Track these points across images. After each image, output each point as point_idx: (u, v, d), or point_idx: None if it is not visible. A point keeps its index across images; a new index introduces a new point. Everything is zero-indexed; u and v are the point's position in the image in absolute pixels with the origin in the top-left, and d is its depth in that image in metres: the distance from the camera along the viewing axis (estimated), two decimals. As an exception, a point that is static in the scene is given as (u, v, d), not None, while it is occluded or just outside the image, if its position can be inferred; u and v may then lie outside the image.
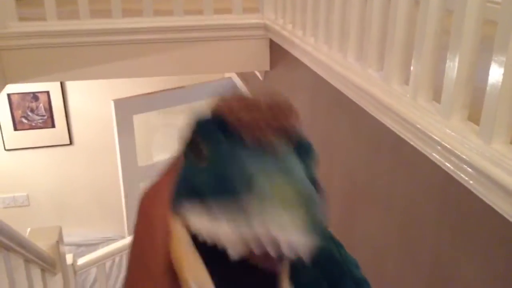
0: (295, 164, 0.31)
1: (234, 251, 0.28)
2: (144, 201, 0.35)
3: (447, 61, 1.05)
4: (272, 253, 0.27)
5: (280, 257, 0.28)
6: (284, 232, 0.27)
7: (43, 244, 1.91)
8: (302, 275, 0.38)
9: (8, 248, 1.48)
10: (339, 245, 0.42)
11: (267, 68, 2.51)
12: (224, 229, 0.28)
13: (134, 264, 0.33)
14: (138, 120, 3.25)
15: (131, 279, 0.34)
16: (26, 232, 1.99)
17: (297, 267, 0.37)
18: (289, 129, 0.33)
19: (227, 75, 3.70)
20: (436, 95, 1.15)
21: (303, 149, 0.34)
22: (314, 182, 0.31)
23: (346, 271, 0.41)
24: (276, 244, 0.27)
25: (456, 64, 1.03)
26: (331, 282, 0.39)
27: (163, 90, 3.31)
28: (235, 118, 0.32)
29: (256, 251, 0.27)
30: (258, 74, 2.73)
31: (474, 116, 1.04)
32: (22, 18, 2.22)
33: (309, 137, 0.36)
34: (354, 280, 0.41)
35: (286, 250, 0.27)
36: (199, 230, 0.30)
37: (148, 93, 3.26)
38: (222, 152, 0.31)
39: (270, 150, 0.31)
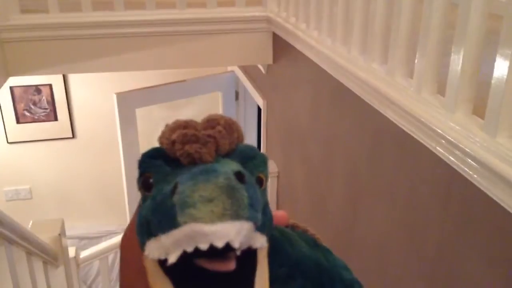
0: (222, 164, 0.32)
1: (171, 257, 0.29)
2: (122, 244, 0.38)
3: (452, 54, 1.04)
4: (203, 247, 0.28)
5: (217, 251, 0.28)
6: (206, 224, 0.28)
7: (45, 237, 1.91)
8: (287, 284, 0.38)
9: (10, 241, 1.48)
10: (325, 251, 0.42)
11: (270, 61, 2.50)
12: (161, 242, 0.30)
13: None
14: (141, 113, 3.25)
15: None
16: (28, 224, 1.99)
17: (279, 276, 0.37)
18: (218, 138, 0.33)
19: (229, 68, 3.70)
20: (441, 89, 1.14)
21: (240, 154, 0.35)
22: (249, 181, 0.31)
23: (335, 275, 0.40)
24: (202, 238, 0.28)
25: (461, 57, 1.02)
26: None
27: (166, 84, 3.31)
28: (166, 140, 0.34)
29: (188, 249, 0.28)
30: (261, 67, 2.72)
31: (478, 110, 1.03)
32: (24, 10, 2.22)
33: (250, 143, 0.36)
34: (344, 283, 0.40)
35: (214, 241, 0.28)
36: (153, 256, 0.31)
37: (151, 87, 3.25)
38: (162, 176, 0.33)
39: (198, 159, 0.32)
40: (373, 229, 1.53)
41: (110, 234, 4.06)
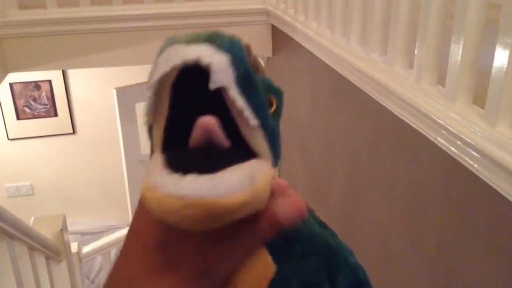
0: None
1: (153, 79, 0.30)
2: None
3: (452, 44, 1.04)
4: (176, 61, 0.28)
5: (191, 74, 0.29)
6: (182, 44, 0.29)
7: (47, 232, 1.91)
8: (300, 261, 0.37)
9: (12, 236, 1.48)
10: (333, 234, 0.42)
11: (270, 54, 2.49)
12: (150, 78, 0.31)
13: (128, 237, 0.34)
14: (141, 108, 3.24)
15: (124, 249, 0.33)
16: (30, 221, 2.00)
17: (295, 252, 0.37)
18: None
19: (229, 62, 3.68)
20: (440, 79, 1.13)
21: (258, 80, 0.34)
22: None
23: (341, 258, 0.40)
24: (176, 54, 0.29)
25: (461, 47, 1.01)
26: (329, 269, 0.39)
27: (165, 78, 3.30)
28: None
29: (166, 69, 0.29)
30: (260, 60, 2.71)
31: (479, 99, 1.03)
32: (22, 6, 2.21)
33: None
34: (349, 267, 0.40)
35: (186, 56, 0.28)
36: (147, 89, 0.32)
37: (150, 81, 3.25)
38: None
39: None
40: (375, 220, 1.53)
41: (112, 229, 4.06)
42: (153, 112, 0.31)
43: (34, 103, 3.97)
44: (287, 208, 0.29)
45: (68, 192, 4.30)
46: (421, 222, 1.26)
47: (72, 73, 3.95)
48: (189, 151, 0.30)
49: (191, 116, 0.30)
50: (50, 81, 3.92)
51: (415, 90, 1.18)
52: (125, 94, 3.12)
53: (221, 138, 0.30)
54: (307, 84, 2.04)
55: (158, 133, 0.32)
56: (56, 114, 4.03)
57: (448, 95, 1.07)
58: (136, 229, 0.32)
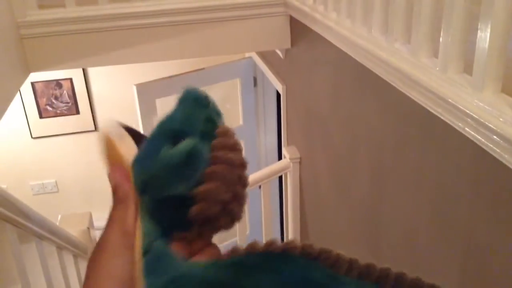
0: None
1: None
2: None
3: (478, 31, 1.01)
4: None
5: None
6: None
7: (74, 231, 1.94)
8: None
9: (40, 236, 1.50)
10: (340, 282, 0.39)
11: (288, 45, 2.47)
12: None
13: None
14: (161, 103, 3.26)
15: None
16: (57, 218, 2.03)
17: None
18: None
19: (247, 54, 3.67)
20: (467, 67, 1.10)
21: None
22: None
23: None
24: None
25: (488, 34, 0.98)
26: None
27: (184, 73, 3.31)
28: None
29: None
30: (279, 52, 2.69)
31: (508, 88, 1.00)
32: (41, 6, 2.23)
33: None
34: None
35: None
36: None
37: (170, 77, 3.25)
38: None
39: None
40: (401, 213, 1.51)
41: (136, 223, 4.11)
42: None
43: (56, 101, 4.02)
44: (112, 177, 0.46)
45: (93, 188, 4.35)
46: (450, 216, 1.24)
47: (92, 71, 3.99)
48: None
49: None
50: (71, 79, 3.96)
51: (441, 80, 1.15)
52: (145, 90, 3.13)
53: None
54: (328, 76, 2.02)
55: None
56: (78, 112, 4.08)
57: (476, 84, 1.04)
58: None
